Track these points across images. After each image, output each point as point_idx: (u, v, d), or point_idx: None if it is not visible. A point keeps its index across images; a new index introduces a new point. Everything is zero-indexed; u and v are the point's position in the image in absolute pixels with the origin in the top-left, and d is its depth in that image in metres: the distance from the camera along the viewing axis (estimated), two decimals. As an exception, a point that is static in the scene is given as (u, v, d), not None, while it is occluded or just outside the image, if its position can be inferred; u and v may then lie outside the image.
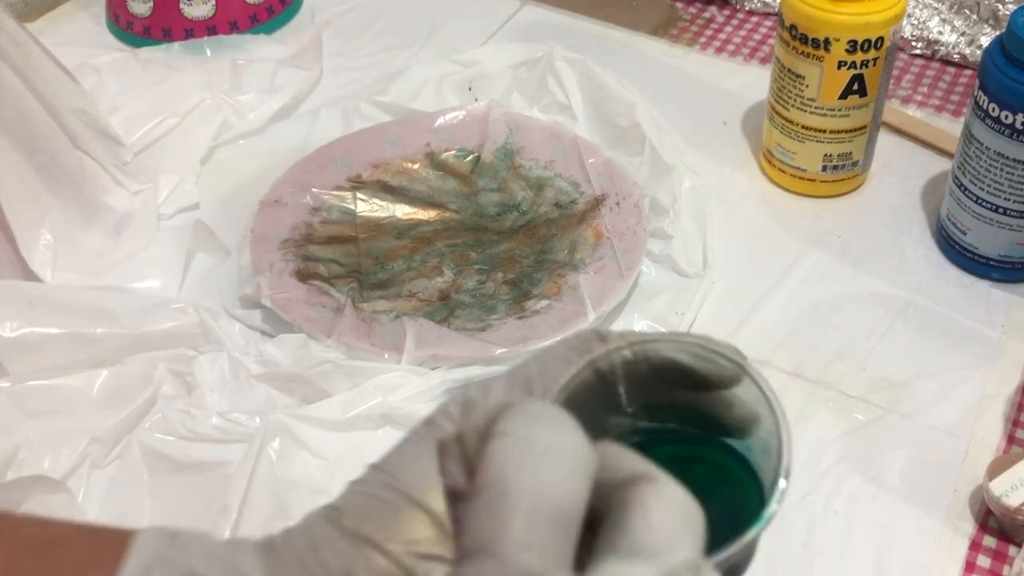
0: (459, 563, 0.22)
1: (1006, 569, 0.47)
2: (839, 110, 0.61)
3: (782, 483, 0.28)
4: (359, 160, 0.66)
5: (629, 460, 0.23)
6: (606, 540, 0.22)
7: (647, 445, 0.33)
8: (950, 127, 0.69)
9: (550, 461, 0.22)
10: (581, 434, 0.23)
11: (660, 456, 0.29)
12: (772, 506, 0.28)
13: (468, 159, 0.67)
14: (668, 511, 0.22)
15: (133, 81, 0.72)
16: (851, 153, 0.63)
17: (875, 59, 0.59)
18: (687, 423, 0.33)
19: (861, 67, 0.59)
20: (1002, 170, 0.55)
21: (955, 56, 0.75)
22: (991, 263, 0.59)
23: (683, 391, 0.32)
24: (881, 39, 0.58)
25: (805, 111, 0.61)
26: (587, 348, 0.31)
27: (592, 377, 0.31)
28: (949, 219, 0.60)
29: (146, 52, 0.75)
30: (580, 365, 0.30)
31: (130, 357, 0.54)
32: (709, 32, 0.79)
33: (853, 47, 0.58)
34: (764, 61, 0.76)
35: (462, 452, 0.23)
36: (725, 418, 0.32)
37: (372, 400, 0.51)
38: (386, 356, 0.53)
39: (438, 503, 0.29)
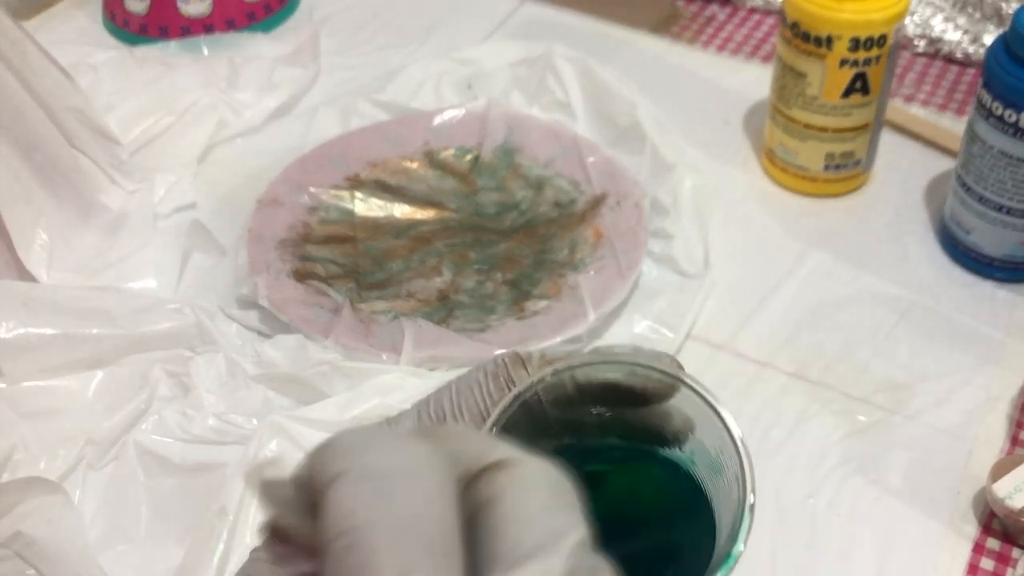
0: None
1: (1009, 571, 0.47)
2: (841, 108, 0.60)
3: (746, 520, 0.26)
4: (357, 159, 0.65)
5: (481, 449, 0.20)
6: (487, 550, 0.19)
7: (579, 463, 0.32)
8: (953, 126, 0.69)
9: (400, 486, 0.19)
10: (425, 446, 0.20)
11: (595, 473, 0.27)
12: (739, 546, 0.26)
13: (467, 158, 0.67)
14: (532, 495, 0.19)
15: (129, 79, 0.71)
16: (853, 152, 0.63)
17: (878, 57, 0.58)
18: (622, 437, 0.31)
19: (864, 65, 0.58)
20: (1006, 169, 0.55)
21: (958, 54, 0.74)
22: (995, 263, 0.59)
23: (616, 407, 0.30)
24: (884, 37, 0.58)
25: (807, 110, 0.61)
26: (506, 375, 0.29)
27: (519, 411, 0.28)
28: (952, 219, 0.60)
29: (142, 50, 0.75)
30: (504, 403, 0.28)
31: (126, 358, 0.54)
32: (710, 30, 0.79)
33: (855, 45, 0.57)
34: (766, 59, 0.76)
35: (296, 526, 0.20)
36: (662, 429, 0.30)
37: (370, 402, 0.50)
38: (384, 357, 0.53)
39: None
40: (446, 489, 0.19)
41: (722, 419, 0.28)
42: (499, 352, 0.30)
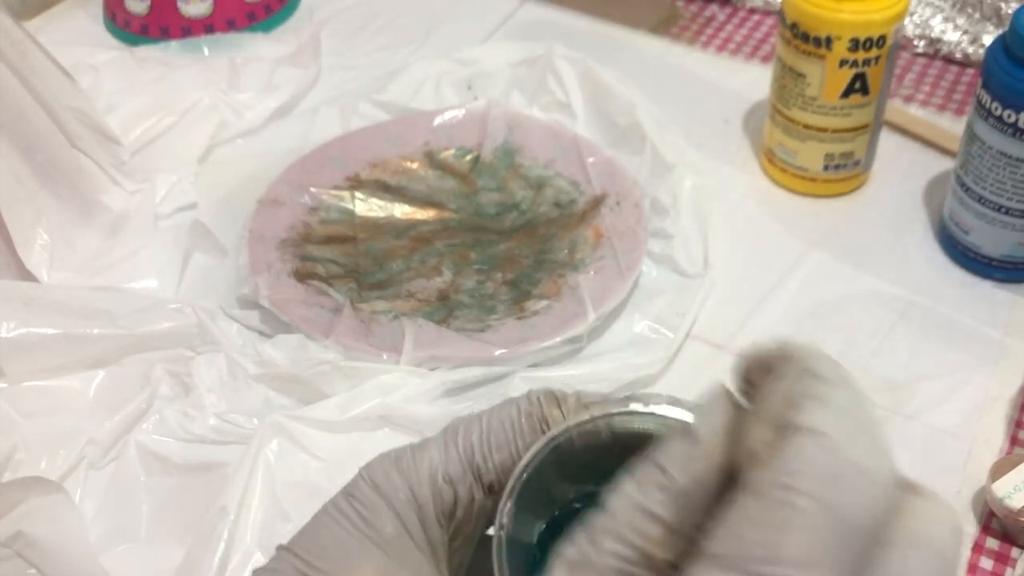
0: (703, 568, 0.18)
1: (1008, 571, 0.47)
2: (841, 109, 0.60)
3: None
4: (357, 159, 0.65)
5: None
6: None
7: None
8: (952, 126, 0.69)
9: (863, 481, 0.19)
10: (891, 456, 0.20)
11: None
12: None
13: (467, 158, 0.67)
14: (944, 534, 0.20)
15: (130, 80, 0.71)
16: (853, 152, 0.63)
17: (877, 58, 0.58)
18: None
19: (863, 66, 0.58)
20: (1005, 169, 0.55)
21: (958, 55, 0.74)
22: (994, 263, 0.59)
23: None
24: (883, 37, 0.58)
25: (807, 110, 0.61)
26: (539, 414, 0.28)
27: (550, 456, 0.28)
28: (951, 219, 0.60)
29: (143, 51, 0.75)
30: (539, 445, 0.27)
31: (127, 358, 0.54)
32: (710, 30, 0.79)
33: (855, 45, 0.57)
34: (765, 60, 0.76)
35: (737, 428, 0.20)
36: None
37: (370, 401, 0.50)
38: (384, 357, 0.53)
39: None
40: (882, 506, 0.20)
41: None
42: (534, 390, 0.29)
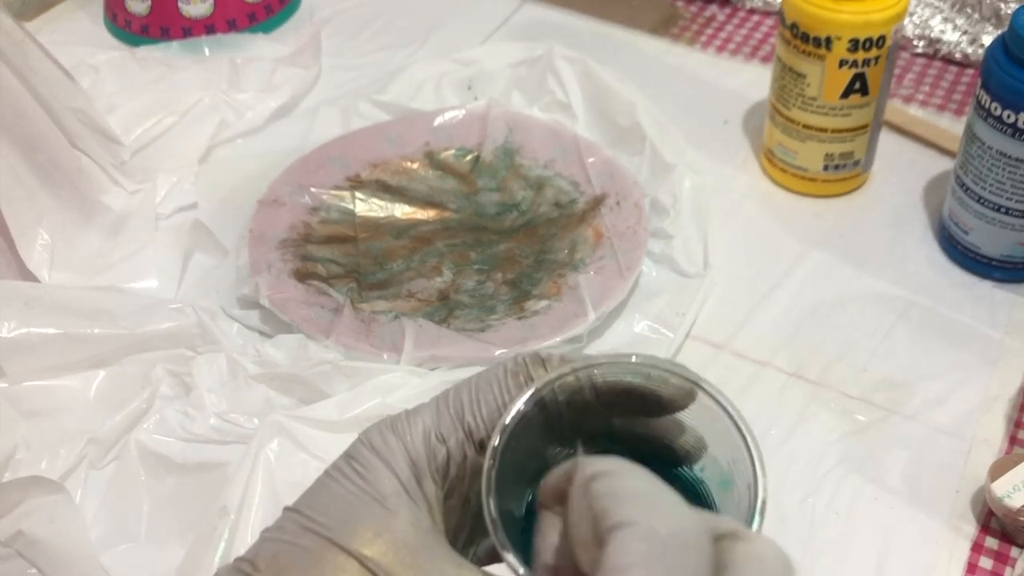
0: None
1: (1008, 571, 0.47)
2: (840, 109, 0.60)
3: (757, 520, 0.27)
4: (358, 159, 0.65)
5: (725, 519, 0.23)
6: None
7: None
8: (952, 126, 0.69)
9: (678, 558, 0.21)
10: (699, 516, 0.22)
11: None
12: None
13: (467, 158, 0.67)
14: (767, 569, 0.22)
15: (131, 80, 0.71)
16: (852, 152, 0.63)
17: (877, 58, 0.58)
18: (631, 452, 0.31)
19: (863, 66, 0.58)
20: (1004, 169, 0.55)
21: (957, 55, 0.74)
22: (993, 263, 0.59)
23: (629, 418, 0.31)
24: (883, 38, 0.58)
25: (806, 110, 0.61)
26: (525, 372, 0.30)
27: (535, 410, 0.29)
28: (951, 219, 0.60)
29: (144, 51, 0.75)
30: (524, 398, 0.28)
31: (128, 358, 0.54)
32: (710, 31, 0.79)
33: (855, 46, 0.58)
34: (765, 60, 0.76)
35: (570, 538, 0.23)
36: (673, 444, 0.31)
37: (371, 401, 0.50)
38: (385, 357, 0.53)
39: (367, 546, 0.27)
40: (706, 566, 0.22)
41: (738, 427, 0.28)
42: (520, 352, 0.31)
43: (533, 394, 0.29)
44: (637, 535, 0.21)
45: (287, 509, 0.29)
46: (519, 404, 0.28)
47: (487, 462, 0.28)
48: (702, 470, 0.31)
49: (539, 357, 0.30)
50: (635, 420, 0.31)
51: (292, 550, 0.27)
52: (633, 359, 0.29)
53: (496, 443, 0.28)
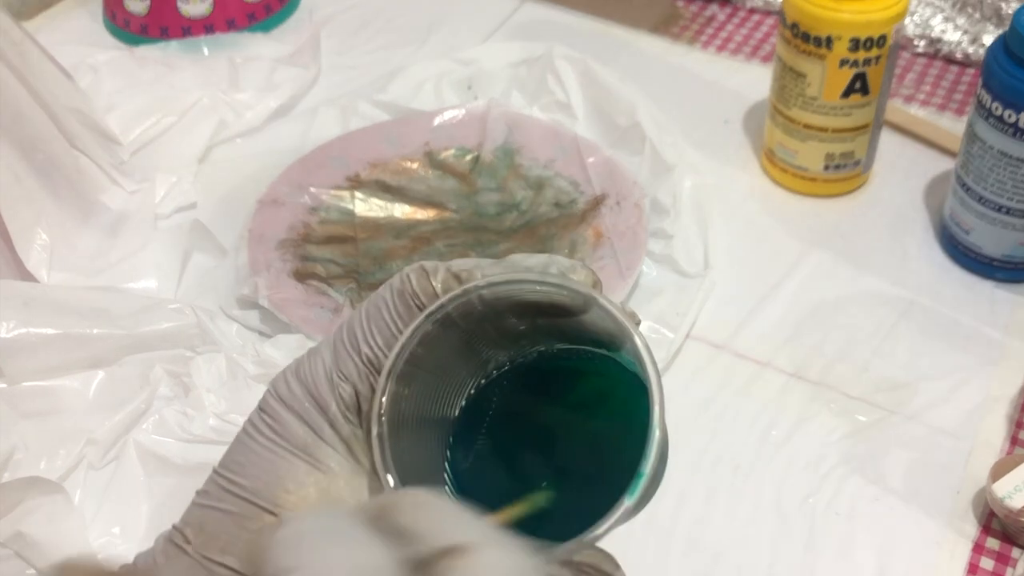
0: None
1: (1009, 571, 0.47)
2: (841, 109, 0.60)
3: (651, 446, 0.27)
4: (357, 159, 0.65)
5: (440, 528, 0.20)
6: None
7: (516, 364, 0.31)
8: (953, 126, 0.69)
9: None
10: (378, 546, 0.19)
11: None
12: (645, 467, 0.26)
13: (467, 158, 0.67)
14: None
15: (130, 80, 0.71)
16: (853, 152, 0.63)
17: (877, 57, 0.58)
18: (559, 341, 0.31)
19: (863, 65, 0.58)
20: (1005, 169, 0.55)
21: (958, 54, 0.74)
22: (994, 263, 0.59)
23: (534, 318, 0.30)
24: (883, 37, 0.58)
25: (807, 110, 0.61)
26: (411, 290, 0.29)
27: (437, 328, 0.29)
28: (952, 219, 0.60)
29: (143, 50, 0.75)
30: (415, 324, 0.28)
31: (127, 358, 0.54)
32: (710, 30, 0.79)
33: (855, 45, 0.57)
34: (766, 59, 0.76)
35: None
36: (597, 334, 0.30)
37: (370, 401, 0.50)
38: (385, 357, 0.53)
39: (288, 502, 0.27)
40: None
41: (632, 337, 0.28)
42: (406, 268, 0.30)
43: (426, 318, 0.28)
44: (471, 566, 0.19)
45: (213, 470, 0.29)
46: (409, 331, 0.28)
47: (376, 407, 0.27)
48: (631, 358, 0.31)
49: (423, 270, 0.29)
50: (547, 318, 0.30)
51: (216, 515, 0.27)
52: (523, 269, 0.29)
53: (387, 385, 0.28)
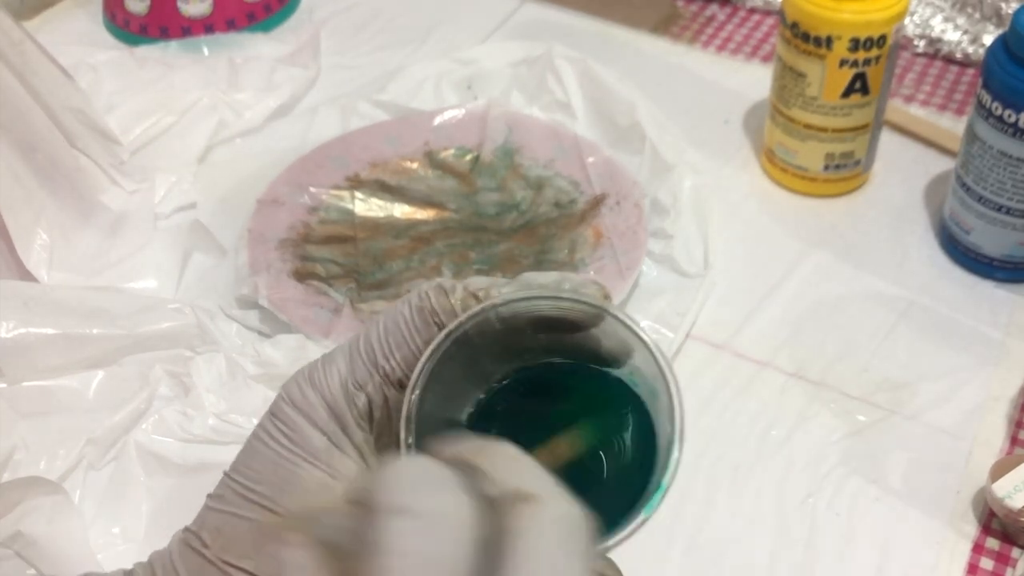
0: None
1: (1009, 571, 0.47)
2: (841, 109, 0.60)
3: (674, 456, 0.27)
4: (357, 159, 0.65)
5: (515, 474, 0.22)
6: None
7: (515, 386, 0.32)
8: (953, 126, 0.69)
9: (437, 528, 0.20)
10: (464, 494, 0.21)
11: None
12: (667, 479, 0.27)
13: (467, 158, 0.67)
14: (548, 538, 0.21)
15: (130, 80, 0.71)
16: (853, 152, 0.63)
17: (877, 57, 0.58)
18: (567, 357, 0.32)
19: (863, 65, 0.58)
20: (1005, 169, 0.55)
21: (958, 54, 0.74)
22: (995, 263, 0.59)
23: (547, 333, 0.31)
24: (883, 37, 0.58)
25: (807, 110, 0.61)
26: (430, 307, 0.29)
27: (453, 347, 0.29)
28: (952, 219, 0.60)
29: (143, 50, 0.75)
30: (437, 342, 0.29)
31: (126, 358, 0.54)
32: (710, 30, 0.79)
33: (855, 45, 0.57)
34: (766, 59, 0.76)
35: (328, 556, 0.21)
36: (598, 351, 0.31)
37: (370, 401, 0.50)
38: (384, 357, 0.53)
39: (300, 507, 0.27)
40: (467, 538, 0.21)
41: (651, 352, 0.29)
42: (424, 285, 0.31)
43: (445, 337, 0.29)
44: (409, 515, 0.21)
45: (225, 474, 0.29)
46: (431, 350, 0.29)
47: (404, 417, 0.28)
48: (632, 374, 0.31)
49: (442, 289, 0.30)
50: (557, 334, 0.31)
51: (234, 521, 0.28)
52: (539, 286, 0.30)
53: (413, 397, 0.28)
